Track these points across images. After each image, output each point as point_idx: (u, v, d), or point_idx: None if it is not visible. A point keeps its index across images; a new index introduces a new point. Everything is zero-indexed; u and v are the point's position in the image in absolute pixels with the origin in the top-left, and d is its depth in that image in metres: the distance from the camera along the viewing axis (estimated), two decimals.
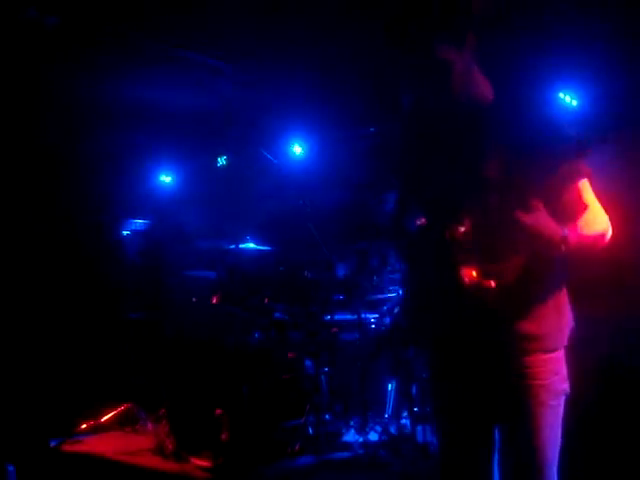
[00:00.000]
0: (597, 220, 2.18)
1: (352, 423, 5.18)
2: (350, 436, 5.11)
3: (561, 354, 2.22)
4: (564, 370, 2.23)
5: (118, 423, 5.73)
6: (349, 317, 5.46)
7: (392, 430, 4.98)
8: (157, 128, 6.89)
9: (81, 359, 6.07)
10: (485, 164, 2.14)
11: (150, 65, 5.69)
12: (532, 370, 2.15)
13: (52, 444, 5.23)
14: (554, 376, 2.18)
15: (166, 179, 7.92)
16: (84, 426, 5.55)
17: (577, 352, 2.33)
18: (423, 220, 2.25)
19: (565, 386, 2.22)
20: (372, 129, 6.50)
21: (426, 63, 2.12)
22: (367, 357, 5.28)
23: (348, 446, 5.01)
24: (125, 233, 6.34)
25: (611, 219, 2.23)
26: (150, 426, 5.54)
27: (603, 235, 2.19)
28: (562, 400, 2.21)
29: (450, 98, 2.17)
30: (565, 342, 2.23)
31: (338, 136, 6.98)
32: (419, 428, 4.80)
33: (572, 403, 2.29)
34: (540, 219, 2.00)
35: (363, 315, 5.34)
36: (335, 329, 5.41)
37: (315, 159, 6.98)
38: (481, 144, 2.17)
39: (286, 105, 6.49)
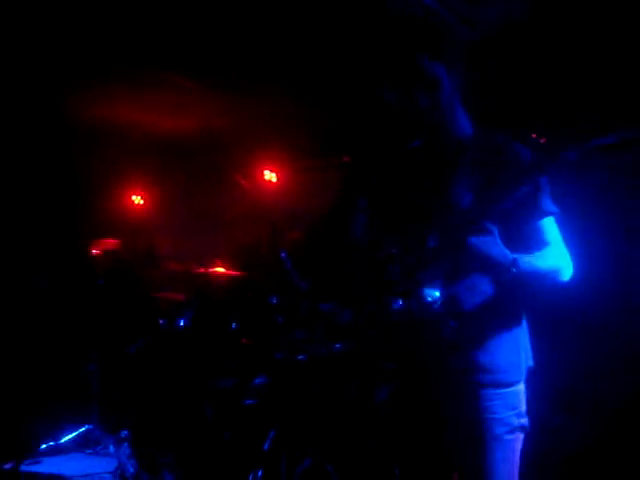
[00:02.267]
0: (554, 256, 2.22)
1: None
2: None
3: (518, 389, 2.24)
4: (522, 406, 2.25)
5: (78, 445, 5.64)
6: (316, 344, 5.45)
7: None
8: (131, 149, 6.89)
9: (42, 379, 5.99)
10: (454, 192, 2.20)
11: (125, 86, 5.70)
12: (487, 403, 2.17)
13: (9, 465, 5.14)
14: (509, 411, 2.20)
15: (139, 200, 7.91)
16: (43, 447, 5.45)
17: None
18: (393, 249, 2.29)
19: (523, 421, 2.23)
20: (345, 158, 6.55)
21: (417, 81, 2.19)
22: (332, 385, 5.28)
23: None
24: (95, 252, 6.29)
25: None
26: (111, 448, 5.47)
27: (557, 271, 2.22)
28: (519, 436, 2.22)
29: (434, 118, 2.24)
30: (522, 378, 2.26)
31: (311, 164, 7.02)
32: None
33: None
34: (489, 242, 2.04)
35: (330, 342, 5.33)
36: (302, 356, 5.39)
37: (287, 186, 7.01)
38: (453, 173, 2.24)
39: (260, 131, 6.53)
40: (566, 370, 4.46)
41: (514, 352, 2.24)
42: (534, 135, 2.33)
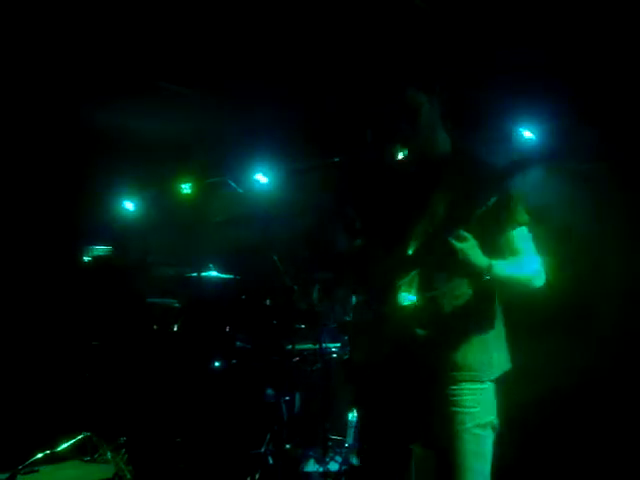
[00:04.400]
0: (528, 264, 2.37)
1: (312, 453, 5.16)
2: (310, 466, 5.10)
3: (490, 388, 2.37)
4: (493, 404, 2.37)
5: (76, 452, 5.63)
6: (311, 346, 5.46)
7: (352, 460, 4.98)
8: (121, 154, 6.88)
9: (38, 386, 5.99)
10: (433, 204, 2.32)
11: (114, 90, 5.69)
12: (459, 398, 2.30)
13: (6, 475, 5.12)
14: (480, 406, 2.31)
15: (129, 205, 7.90)
16: (40, 455, 5.43)
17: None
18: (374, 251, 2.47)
19: (493, 419, 2.34)
20: (337, 159, 6.55)
21: (397, 105, 2.36)
22: (328, 386, 5.29)
23: (308, 476, 5.00)
24: (86, 259, 6.28)
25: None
26: (109, 455, 5.47)
27: (530, 279, 2.37)
28: (490, 433, 2.33)
29: (415, 142, 2.42)
30: (494, 377, 2.37)
31: (303, 165, 7.02)
32: None
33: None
34: (469, 247, 2.15)
35: (325, 344, 5.35)
36: (297, 358, 5.40)
37: (280, 188, 7.01)
38: (433, 188, 2.37)
39: (251, 133, 6.52)
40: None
41: (485, 352, 2.35)
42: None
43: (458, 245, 2.13)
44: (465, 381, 2.30)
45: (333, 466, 4.99)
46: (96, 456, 5.56)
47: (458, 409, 2.28)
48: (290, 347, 5.41)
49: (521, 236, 2.36)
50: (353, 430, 5.16)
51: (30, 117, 6.14)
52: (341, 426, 5.26)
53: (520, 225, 2.34)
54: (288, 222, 6.14)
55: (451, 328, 2.31)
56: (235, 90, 5.70)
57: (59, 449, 5.54)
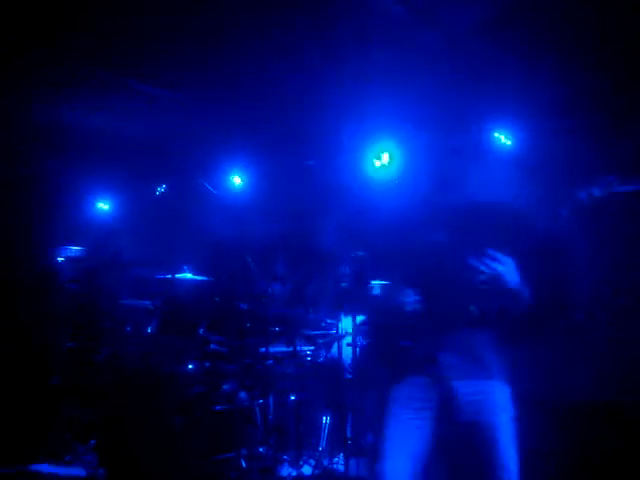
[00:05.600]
0: None
1: (286, 456, 5.15)
2: (284, 470, 5.08)
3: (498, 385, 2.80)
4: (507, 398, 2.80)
5: (48, 454, 5.59)
6: (285, 349, 5.45)
7: (325, 464, 4.98)
8: (96, 155, 6.84)
9: (10, 388, 5.93)
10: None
11: (90, 92, 5.66)
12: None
13: None
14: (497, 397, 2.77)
15: (104, 206, 7.86)
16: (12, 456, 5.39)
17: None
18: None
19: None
20: (311, 162, 6.56)
21: None
22: (302, 390, 5.29)
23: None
24: (60, 260, 6.23)
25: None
26: (81, 457, 5.43)
27: None
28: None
29: None
30: (495, 378, 2.78)
31: (278, 167, 7.02)
32: (352, 462, 4.81)
33: None
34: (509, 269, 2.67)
35: (299, 348, 5.34)
36: (270, 361, 5.39)
37: (254, 190, 6.99)
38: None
39: (226, 136, 6.51)
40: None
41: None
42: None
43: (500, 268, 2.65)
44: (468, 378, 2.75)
45: (306, 470, 4.99)
46: (68, 458, 5.53)
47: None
48: (264, 350, 5.40)
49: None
50: (326, 434, 5.17)
51: (7, 119, 6.11)
52: (315, 429, 5.25)
53: None
54: (264, 224, 6.14)
55: (457, 335, 2.76)
56: (211, 92, 5.68)
57: (32, 450, 5.50)
